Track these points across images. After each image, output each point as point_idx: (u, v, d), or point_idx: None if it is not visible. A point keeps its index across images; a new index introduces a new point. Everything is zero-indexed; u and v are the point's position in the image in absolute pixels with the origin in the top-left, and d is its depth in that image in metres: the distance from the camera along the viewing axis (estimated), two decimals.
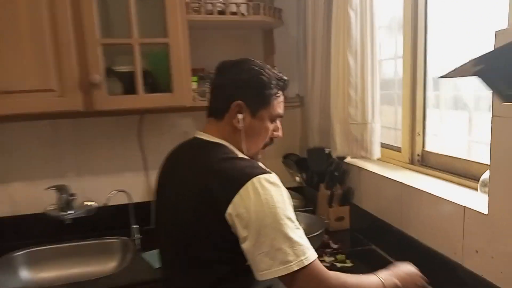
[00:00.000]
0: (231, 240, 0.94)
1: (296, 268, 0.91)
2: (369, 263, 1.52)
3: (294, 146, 2.22)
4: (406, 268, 1.13)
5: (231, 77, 1.07)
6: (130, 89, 1.67)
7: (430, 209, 1.35)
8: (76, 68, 1.56)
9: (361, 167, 1.80)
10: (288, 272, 0.90)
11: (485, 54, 0.57)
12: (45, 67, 1.53)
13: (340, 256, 1.57)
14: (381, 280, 1.04)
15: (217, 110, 1.08)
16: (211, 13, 1.80)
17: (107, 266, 1.72)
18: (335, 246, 1.66)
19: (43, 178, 1.87)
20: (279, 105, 1.10)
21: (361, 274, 1.04)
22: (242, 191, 0.91)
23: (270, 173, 0.97)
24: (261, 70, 1.07)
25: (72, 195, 1.80)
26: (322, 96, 1.91)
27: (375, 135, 1.67)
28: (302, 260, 0.91)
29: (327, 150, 1.91)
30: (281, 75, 1.12)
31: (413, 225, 1.45)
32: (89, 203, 1.87)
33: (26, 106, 1.55)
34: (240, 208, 0.91)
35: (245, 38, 2.11)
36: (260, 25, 2.03)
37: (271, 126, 1.10)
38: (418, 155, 1.66)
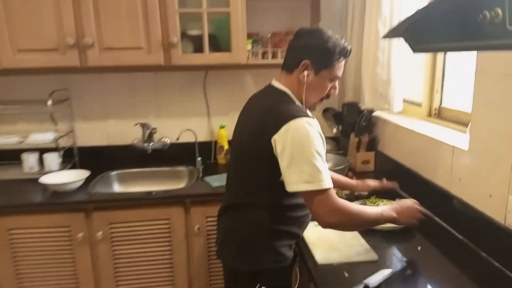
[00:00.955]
0: (271, 159, 1.24)
1: (314, 188, 1.18)
2: (383, 196, 1.81)
3: (332, 102, 2.56)
4: (406, 203, 1.37)
5: (304, 41, 1.32)
6: (198, 48, 2.11)
7: (435, 151, 1.66)
8: (159, 31, 2.02)
9: (385, 119, 2.12)
10: (307, 189, 1.19)
11: (408, 17, 0.84)
12: (137, 30, 2.01)
13: None
14: (380, 211, 1.29)
15: (289, 66, 1.35)
16: None
17: (177, 186, 2.23)
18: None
19: (131, 118, 2.40)
20: (339, 69, 1.33)
21: (362, 206, 1.30)
22: (286, 125, 1.20)
23: (312, 118, 1.24)
24: (328, 38, 1.30)
25: (152, 131, 2.32)
26: (357, 58, 2.23)
27: (398, 92, 1.98)
28: (320, 183, 1.18)
29: (358, 105, 2.25)
30: (346, 44, 1.33)
31: (425, 166, 1.74)
32: (165, 139, 2.39)
33: (122, 60, 2.05)
34: (282, 137, 1.20)
35: (294, 7, 2.43)
36: None
37: (329, 85, 1.35)
38: (436, 109, 1.95)
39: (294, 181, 1.21)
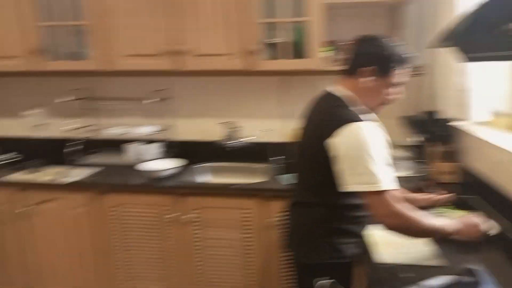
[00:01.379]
0: (327, 161, 1.33)
1: (369, 189, 1.23)
2: (463, 208, 1.74)
3: (412, 109, 2.54)
4: (471, 221, 1.35)
5: (366, 48, 1.38)
6: (277, 55, 2.29)
7: None
8: (244, 40, 2.24)
9: (468, 129, 2.07)
10: (363, 190, 1.25)
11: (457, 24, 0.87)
12: (226, 38, 2.26)
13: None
14: (443, 224, 1.28)
15: (350, 72, 1.41)
16: None
17: (254, 181, 2.41)
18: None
19: (218, 117, 2.67)
20: (401, 75, 1.37)
21: (425, 213, 1.30)
22: (340, 129, 1.28)
23: (367, 122, 1.29)
24: (391, 46, 1.35)
25: (235, 129, 2.56)
26: (437, 66, 2.22)
27: (477, 101, 1.93)
28: (376, 185, 1.23)
29: (438, 113, 2.23)
30: (407, 51, 1.36)
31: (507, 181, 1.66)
32: (245, 138, 2.61)
33: (212, 65, 2.31)
34: (336, 140, 1.28)
35: (371, 14, 2.47)
36: (385, 3, 2.38)
37: (391, 90, 1.39)
38: None
39: (349, 182, 1.28)
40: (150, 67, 2.35)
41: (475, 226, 1.35)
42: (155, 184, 2.25)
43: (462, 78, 1.94)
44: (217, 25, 2.24)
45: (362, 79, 1.38)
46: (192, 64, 2.30)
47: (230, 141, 2.57)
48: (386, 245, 1.46)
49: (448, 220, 1.33)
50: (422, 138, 2.36)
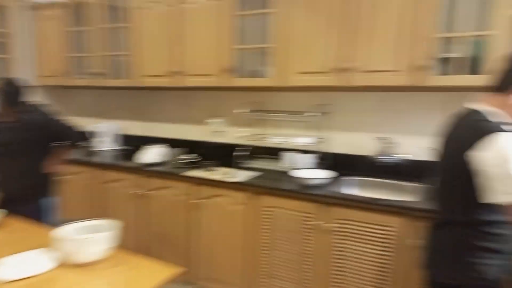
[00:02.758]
0: (470, 174, 1.32)
1: (507, 200, 1.22)
2: None
3: None
4: None
5: None
6: (448, 70, 2.15)
7: None
8: (416, 54, 2.19)
9: None
10: (507, 200, 1.23)
11: None
12: (396, 53, 2.25)
13: None
14: None
15: (501, 88, 1.40)
16: None
17: (403, 198, 2.31)
18: None
19: (375, 132, 2.66)
20: None
21: None
22: (482, 140, 1.28)
23: (507, 132, 1.27)
24: None
25: (390, 145, 2.50)
26: None
27: None
28: None
29: None
30: None
31: None
32: (400, 154, 2.52)
33: (378, 81, 2.33)
34: (479, 152, 1.28)
35: None
36: None
37: None
38: None
39: (494, 192, 1.27)
40: (317, 83, 2.51)
41: None
42: (303, 191, 2.38)
43: None
44: (389, 40, 2.27)
45: (509, 96, 1.37)
46: (358, 80, 2.37)
47: (383, 156, 2.53)
48: None
49: None
50: None
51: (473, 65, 2.12)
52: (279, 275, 2.50)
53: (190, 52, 2.95)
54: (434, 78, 2.17)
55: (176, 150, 3.10)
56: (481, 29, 2.07)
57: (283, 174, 2.70)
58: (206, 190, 2.72)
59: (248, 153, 3.07)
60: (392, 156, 2.52)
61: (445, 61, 2.20)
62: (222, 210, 2.66)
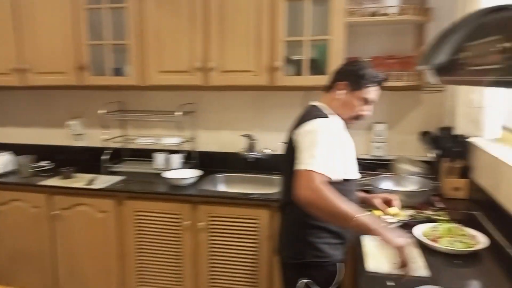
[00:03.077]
0: (293, 149, 1.50)
1: (302, 168, 1.38)
2: (464, 223, 1.75)
3: (432, 125, 2.53)
4: (396, 235, 1.28)
5: (343, 67, 1.65)
6: (299, 71, 2.38)
7: None
8: (267, 57, 2.36)
9: (480, 146, 2.06)
10: (297, 168, 1.40)
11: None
12: (249, 56, 2.38)
13: (440, 212, 1.94)
14: (355, 215, 1.28)
15: (328, 87, 1.64)
16: (365, 15, 2.32)
17: (270, 191, 2.50)
18: (439, 205, 2.02)
19: (239, 129, 2.79)
20: (370, 93, 1.57)
21: (345, 200, 1.33)
22: (305, 123, 1.49)
23: (327, 118, 1.50)
24: (364, 67, 1.58)
25: (254, 142, 2.66)
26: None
27: (492, 118, 1.92)
28: (309, 165, 1.37)
29: (454, 129, 2.21)
30: (379, 74, 1.59)
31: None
32: (264, 150, 2.71)
33: (236, 81, 2.44)
34: (299, 131, 1.49)
35: (396, 32, 2.51)
36: (410, 22, 2.41)
37: (360, 105, 1.58)
38: None
39: (296, 164, 1.42)
40: (178, 82, 2.52)
41: (402, 246, 1.27)
42: (172, 192, 2.39)
43: (478, 95, 1.94)
44: (245, 43, 2.38)
45: (333, 92, 1.60)
46: (218, 79, 2.45)
47: (248, 152, 2.68)
48: (377, 254, 1.53)
49: (366, 215, 1.33)
50: (436, 154, 2.35)
51: (317, 67, 2.38)
52: (156, 280, 2.47)
53: (40, 48, 2.68)
54: (285, 78, 2.37)
55: (28, 157, 2.78)
56: (322, 34, 2.32)
57: (154, 176, 2.66)
58: (67, 200, 2.53)
59: (116, 156, 2.93)
60: (256, 152, 2.68)
61: (294, 63, 2.42)
62: (88, 219, 2.51)
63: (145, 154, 2.89)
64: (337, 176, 1.45)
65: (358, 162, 2.47)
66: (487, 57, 0.84)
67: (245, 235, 2.29)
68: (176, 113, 2.62)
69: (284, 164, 1.59)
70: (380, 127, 2.60)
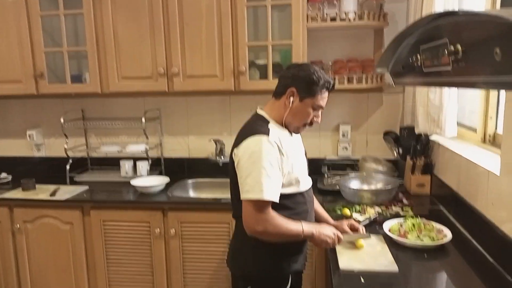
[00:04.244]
0: (233, 168, 1.46)
1: (250, 198, 1.36)
2: (430, 218, 1.82)
3: (394, 125, 2.63)
4: (325, 230, 1.52)
5: (292, 72, 1.51)
6: (264, 75, 2.40)
7: (476, 176, 1.69)
8: (231, 62, 2.36)
9: (440, 143, 2.16)
10: (245, 198, 1.38)
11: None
12: (213, 61, 2.38)
13: (406, 208, 2.01)
14: (302, 229, 1.45)
15: (277, 93, 1.53)
16: (325, 20, 2.37)
17: None
18: (406, 202, 2.10)
19: (207, 134, 2.78)
20: (322, 99, 1.50)
21: (290, 220, 1.44)
22: (244, 141, 1.41)
23: (267, 135, 1.40)
24: (315, 72, 1.47)
25: (223, 146, 2.66)
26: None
27: (450, 117, 2.01)
28: (257, 194, 1.35)
29: (416, 128, 2.31)
30: (329, 79, 1.50)
31: (470, 192, 1.76)
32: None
33: (201, 86, 2.43)
34: (239, 151, 1.42)
35: (356, 36, 2.59)
36: (368, 27, 2.49)
37: (311, 112, 1.50)
38: (490, 135, 1.95)
39: (241, 191, 1.41)
40: (140, 88, 2.48)
41: (327, 235, 1.51)
42: (144, 200, 2.34)
43: (437, 94, 2.03)
44: (206, 48, 2.37)
45: (283, 99, 1.50)
46: (181, 85, 2.42)
47: (217, 157, 2.67)
48: (347, 253, 1.57)
49: (306, 226, 1.48)
50: (399, 152, 2.44)
51: (282, 70, 2.38)
52: None
53: None
54: (250, 82, 2.38)
55: None
56: (285, 38, 2.35)
57: (121, 184, 2.60)
58: (30, 212, 2.42)
59: (80, 165, 2.83)
60: (225, 156, 2.68)
61: (259, 67, 2.44)
62: (52, 232, 2.41)
63: (111, 163, 2.82)
64: (284, 193, 1.46)
65: (326, 163, 2.62)
66: (439, 59, 0.89)
67: (218, 240, 2.28)
68: (141, 120, 2.57)
69: (230, 177, 1.54)
70: (345, 128, 2.66)
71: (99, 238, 2.37)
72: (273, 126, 1.50)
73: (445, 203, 2.05)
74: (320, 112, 1.55)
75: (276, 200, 1.42)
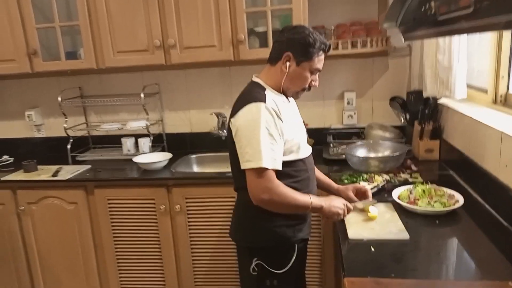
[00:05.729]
0: (231, 138, 1.42)
1: (251, 166, 1.33)
2: (440, 184, 1.76)
3: (401, 90, 2.54)
4: (334, 201, 1.48)
5: (287, 35, 1.44)
6: (264, 44, 2.30)
7: (488, 138, 1.63)
8: (229, 30, 2.26)
9: (449, 107, 2.08)
10: (246, 167, 1.35)
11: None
12: (210, 30, 2.28)
13: (415, 175, 1.96)
14: (310, 201, 1.41)
15: (272, 58, 1.48)
16: None
17: None
18: (414, 168, 2.05)
19: (209, 108, 2.71)
20: (319, 62, 1.45)
21: (297, 192, 1.41)
22: (241, 110, 1.37)
23: (264, 102, 1.36)
24: (310, 34, 1.41)
25: (225, 119, 2.59)
26: (421, 46, 2.21)
27: (459, 78, 1.93)
28: (257, 162, 1.32)
29: (424, 92, 2.22)
30: (325, 40, 1.44)
31: (481, 154, 1.70)
32: None
33: (199, 57, 2.34)
34: (236, 120, 1.38)
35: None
36: None
37: (309, 76, 1.45)
38: (501, 96, 1.86)
39: (240, 159, 1.37)
40: (137, 62, 2.39)
41: (337, 206, 1.47)
42: (148, 177, 2.31)
43: (446, 55, 1.93)
44: (203, 17, 2.26)
45: (279, 65, 1.45)
46: (179, 57, 2.34)
47: (220, 131, 2.61)
48: (356, 222, 1.52)
49: (314, 198, 1.45)
50: (407, 118, 2.37)
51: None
52: (136, 268, 2.41)
53: None
54: (250, 51, 2.28)
55: None
56: (284, 3, 2.24)
57: (123, 162, 2.56)
58: (33, 194, 2.40)
59: (81, 144, 2.79)
60: (225, 132, 2.61)
61: (259, 35, 2.34)
62: (57, 212, 2.39)
63: (112, 141, 2.77)
64: (285, 160, 1.42)
65: (331, 132, 2.56)
66: (456, 3, 0.81)
67: (224, 214, 2.25)
68: (141, 95, 2.50)
69: (229, 148, 1.49)
70: (350, 95, 2.58)
71: (105, 216, 2.35)
72: (270, 93, 1.45)
73: (455, 168, 1.99)
74: (317, 76, 1.50)
75: (279, 167, 1.39)
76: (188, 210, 2.28)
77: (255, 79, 1.53)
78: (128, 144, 2.64)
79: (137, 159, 2.44)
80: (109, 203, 2.33)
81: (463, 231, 1.47)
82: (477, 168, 1.71)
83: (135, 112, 2.77)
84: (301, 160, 1.51)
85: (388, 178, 1.93)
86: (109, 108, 2.81)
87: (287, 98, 1.53)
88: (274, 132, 1.37)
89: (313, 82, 1.49)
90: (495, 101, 1.88)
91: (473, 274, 1.21)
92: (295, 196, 1.41)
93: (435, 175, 2.00)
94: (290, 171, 1.46)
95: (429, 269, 1.24)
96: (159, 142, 2.77)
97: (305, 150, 1.54)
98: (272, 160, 1.36)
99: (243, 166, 1.38)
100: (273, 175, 1.37)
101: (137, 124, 2.62)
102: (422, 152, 2.20)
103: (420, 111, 2.22)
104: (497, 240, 1.34)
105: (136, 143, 2.65)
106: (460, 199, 1.59)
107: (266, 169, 1.35)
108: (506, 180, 1.47)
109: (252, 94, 1.42)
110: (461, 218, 1.52)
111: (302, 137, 1.55)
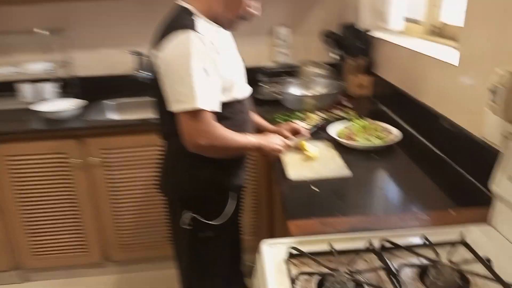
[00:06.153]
0: (156, 74, 1.21)
1: (185, 108, 1.13)
2: (374, 118, 1.72)
3: (334, 23, 2.41)
4: (272, 138, 1.36)
5: None
6: None
7: (425, 68, 1.57)
8: None
9: (384, 39, 2.00)
10: (179, 109, 1.15)
11: None
12: None
13: (349, 111, 1.89)
14: (249, 140, 1.29)
15: None
16: None
17: None
18: (348, 104, 1.98)
19: (124, 46, 2.36)
20: None
21: (234, 132, 1.25)
22: (168, 42, 1.14)
23: (193, 30, 1.14)
24: None
25: (146, 59, 2.29)
26: None
27: (396, 8, 1.84)
28: (192, 103, 1.13)
29: (357, 25, 2.12)
30: None
31: (415, 85, 1.65)
32: None
33: None
34: (163, 54, 1.15)
35: None
36: None
37: (247, 2, 1.25)
38: (435, 26, 1.81)
39: (170, 100, 1.18)
40: None
41: (275, 143, 1.36)
42: (55, 127, 1.98)
43: None
44: None
45: None
46: None
47: (140, 73, 2.31)
48: (296, 163, 1.42)
49: (252, 137, 1.33)
50: (340, 53, 2.27)
51: None
52: (50, 230, 2.14)
53: None
54: None
55: None
56: None
57: (23, 111, 2.16)
58: None
59: None
60: (149, 71, 2.32)
61: None
62: None
63: (7, 88, 2.33)
64: (223, 100, 1.23)
65: (263, 71, 2.38)
66: None
67: (148, 165, 2.02)
68: (41, 32, 2.09)
69: (153, 90, 1.28)
70: (282, 30, 2.40)
71: (5, 176, 2.01)
72: (200, 20, 1.21)
73: (388, 103, 1.96)
74: (257, 2, 1.29)
75: (216, 108, 1.20)
76: (106, 163, 2.02)
77: (180, 2, 1.27)
78: (26, 90, 2.24)
79: (39, 107, 2.08)
80: (9, 161, 1.99)
81: (401, 165, 1.44)
82: (411, 101, 1.67)
83: (34, 52, 2.34)
84: (239, 101, 1.32)
85: (324, 116, 1.83)
86: (2, 48, 2.34)
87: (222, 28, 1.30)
88: (209, 67, 1.16)
89: (251, 8, 1.27)
90: (429, 32, 1.83)
91: (416, 206, 1.17)
92: (235, 137, 1.26)
93: (368, 111, 1.94)
94: (226, 113, 1.26)
95: (373, 204, 1.19)
96: (68, 87, 2.39)
97: (244, 90, 1.36)
98: (209, 100, 1.17)
99: (175, 108, 1.17)
100: (210, 116, 1.19)
101: (39, 67, 2.21)
102: (355, 88, 2.13)
103: (354, 46, 2.12)
104: (432, 171, 1.33)
105: (38, 89, 2.25)
106: (396, 132, 1.55)
107: (203, 110, 1.15)
108: (442, 110, 1.44)
109: (178, 20, 1.19)
110: (396, 152, 1.49)
111: (240, 74, 1.35)
